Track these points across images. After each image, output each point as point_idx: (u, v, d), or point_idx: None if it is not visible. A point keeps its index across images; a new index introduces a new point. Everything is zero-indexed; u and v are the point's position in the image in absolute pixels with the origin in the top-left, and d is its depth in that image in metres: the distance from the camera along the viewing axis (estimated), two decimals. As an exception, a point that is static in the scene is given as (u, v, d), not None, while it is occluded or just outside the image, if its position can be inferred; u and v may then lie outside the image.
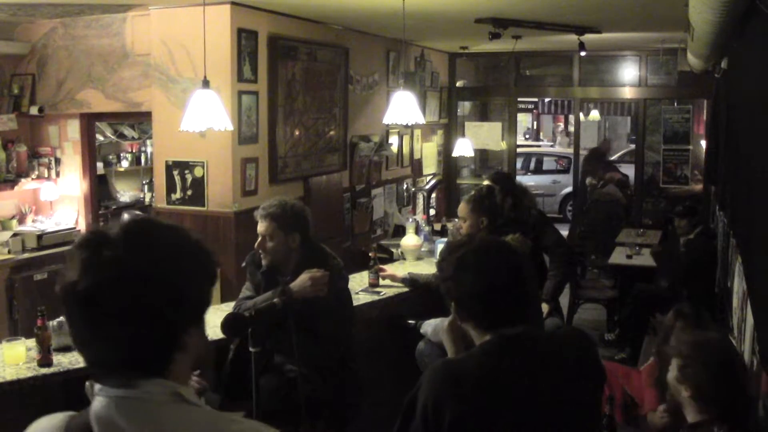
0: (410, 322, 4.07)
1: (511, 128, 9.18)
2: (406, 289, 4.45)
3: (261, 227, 3.24)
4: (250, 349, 2.50)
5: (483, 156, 11.18)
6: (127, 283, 1.07)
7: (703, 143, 8.98)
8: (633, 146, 13.83)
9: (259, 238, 3.25)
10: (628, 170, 10.26)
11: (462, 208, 4.23)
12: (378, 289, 4.41)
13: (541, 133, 21.07)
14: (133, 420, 1.08)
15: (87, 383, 1.15)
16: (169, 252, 1.13)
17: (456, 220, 5.31)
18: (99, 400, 1.11)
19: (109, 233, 1.11)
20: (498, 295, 1.78)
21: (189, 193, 5.06)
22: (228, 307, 3.65)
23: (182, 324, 1.14)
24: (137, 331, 1.09)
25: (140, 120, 6.56)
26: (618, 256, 6.63)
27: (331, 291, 3.18)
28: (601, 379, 1.91)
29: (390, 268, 4.77)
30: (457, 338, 1.98)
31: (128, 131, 7.01)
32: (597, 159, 10.17)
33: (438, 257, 1.96)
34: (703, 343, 2.44)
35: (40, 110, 5.65)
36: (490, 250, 1.86)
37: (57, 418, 1.17)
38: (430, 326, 3.82)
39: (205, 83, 3.62)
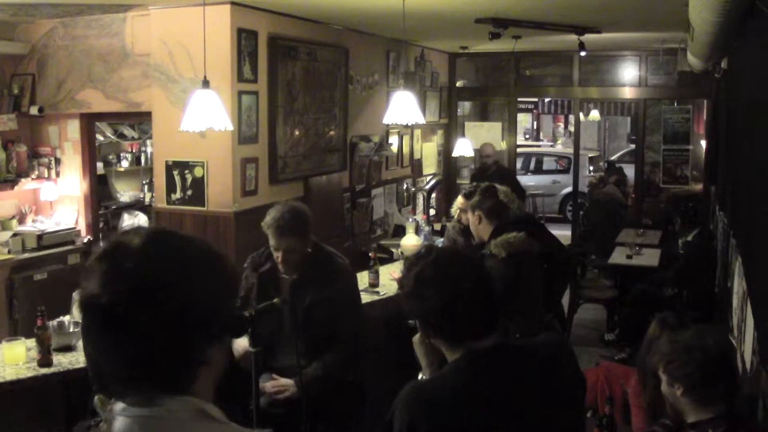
0: (410, 322, 4.06)
1: (511, 128, 9.19)
2: (405, 289, 4.45)
3: (282, 243, 3.10)
4: (250, 349, 2.49)
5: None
6: (151, 296, 1.03)
7: (703, 143, 8.99)
8: (633, 146, 13.85)
9: (280, 253, 3.12)
10: (629, 170, 10.25)
11: (459, 201, 4.27)
12: (378, 289, 4.41)
13: (541, 133, 21.07)
14: None
15: (96, 398, 1.12)
16: (193, 264, 1.09)
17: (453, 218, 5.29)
18: (121, 420, 1.07)
19: (130, 244, 1.07)
20: (462, 310, 1.69)
21: (189, 193, 5.06)
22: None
23: (208, 338, 1.09)
24: (161, 346, 1.04)
25: (140, 120, 6.56)
26: (618, 256, 6.63)
27: (344, 292, 3.18)
28: (581, 388, 1.86)
29: (391, 269, 4.77)
30: (428, 352, 1.89)
31: (128, 131, 7.01)
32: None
33: (399, 273, 1.85)
34: (680, 339, 2.39)
35: (40, 110, 5.65)
36: (448, 262, 1.76)
37: None
38: None
39: (205, 83, 3.62)
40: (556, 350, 1.82)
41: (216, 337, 1.11)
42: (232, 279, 1.17)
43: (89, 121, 5.83)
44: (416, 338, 1.94)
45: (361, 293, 4.26)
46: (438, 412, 1.62)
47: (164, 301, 1.03)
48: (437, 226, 6.83)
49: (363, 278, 4.50)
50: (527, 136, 19.84)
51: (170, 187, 5.11)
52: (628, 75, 9.39)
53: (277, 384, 3.15)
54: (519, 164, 12.41)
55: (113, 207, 6.77)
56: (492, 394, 1.66)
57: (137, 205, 6.95)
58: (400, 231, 6.82)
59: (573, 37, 6.46)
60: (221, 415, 1.11)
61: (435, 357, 1.86)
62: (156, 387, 1.06)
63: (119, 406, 1.08)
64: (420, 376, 2.01)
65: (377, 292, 4.37)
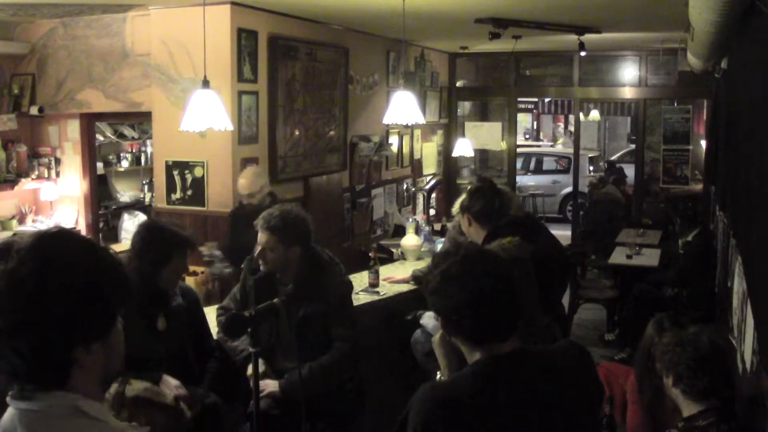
0: (408, 317, 4.05)
1: (511, 128, 9.18)
2: (406, 289, 4.45)
3: (262, 238, 3.15)
4: (250, 349, 2.50)
5: (483, 156, 11.20)
6: (16, 297, 1.09)
7: (703, 143, 8.99)
8: (633, 146, 13.85)
9: (259, 248, 3.17)
10: (629, 170, 10.25)
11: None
12: (378, 289, 4.41)
13: (541, 133, 21.07)
14: None
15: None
16: (72, 268, 1.13)
17: (454, 218, 5.28)
18: (8, 411, 1.14)
19: (14, 245, 1.14)
20: (485, 309, 1.68)
21: (189, 193, 5.06)
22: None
23: (77, 340, 1.14)
24: (28, 345, 1.10)
25: (140, 120, 6.56)
26: (618, 256, 6.63)
27: (334, 297, 3.18)
28: (599, 397, 1.86)
29: (390, 269, 4.78)
30: (449, 352, 1.89)
31: (128, 131, 7.00)
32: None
33: (426, 270, 1.89)
34: (678, 334, 2.53)
35: (40, 110, 5.65)
36: (475, 262, 1.75)
37: None
38: (432, 320, 3.78)
39: (205, 83, 3.62)
40: (575, 358, 1.82)
41: (91, 338, 1.15)
42: (119, 284, 1.20)
43: (89, 121, 5.83)
44: (437, 339, 1.94)
45: (361, 293, 4.28)
46: (454, 413, 1.61)
47: (29, 304, 1.09)
48: (437, 226, 6.83)
49: (363, 278, 4.50)
50: (527, 136, 19.84)
51: (170, 187, 5.11)
52: (628, 75, 9.39)
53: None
54: (519, 164, 12.42)
55: (113, 207, 6.76)
56: (509, 399, 1.65)
57: (137, 205, 6.95)
58: (400, 231, 6.82)
59: (573, 37, 6.46)
60: (100, 412, 1.16)
61: (455, 358, 1.86)
62: (32, 382, 1.13)
63: (8, 397, 1.15)
64: (438, 377, 2.01)
65: (377, 292, 4.37)
